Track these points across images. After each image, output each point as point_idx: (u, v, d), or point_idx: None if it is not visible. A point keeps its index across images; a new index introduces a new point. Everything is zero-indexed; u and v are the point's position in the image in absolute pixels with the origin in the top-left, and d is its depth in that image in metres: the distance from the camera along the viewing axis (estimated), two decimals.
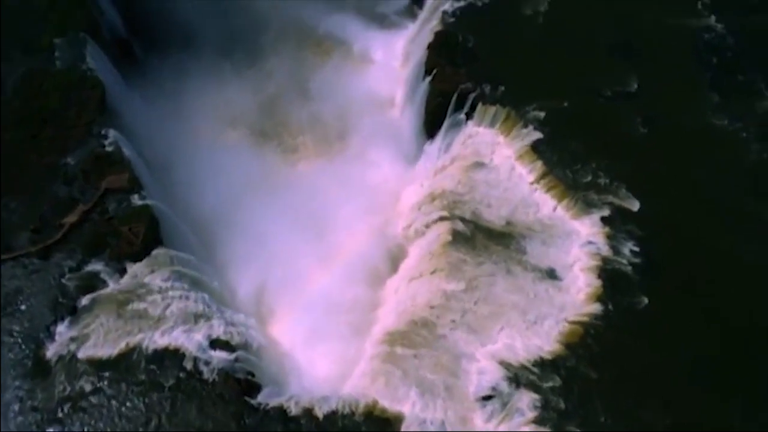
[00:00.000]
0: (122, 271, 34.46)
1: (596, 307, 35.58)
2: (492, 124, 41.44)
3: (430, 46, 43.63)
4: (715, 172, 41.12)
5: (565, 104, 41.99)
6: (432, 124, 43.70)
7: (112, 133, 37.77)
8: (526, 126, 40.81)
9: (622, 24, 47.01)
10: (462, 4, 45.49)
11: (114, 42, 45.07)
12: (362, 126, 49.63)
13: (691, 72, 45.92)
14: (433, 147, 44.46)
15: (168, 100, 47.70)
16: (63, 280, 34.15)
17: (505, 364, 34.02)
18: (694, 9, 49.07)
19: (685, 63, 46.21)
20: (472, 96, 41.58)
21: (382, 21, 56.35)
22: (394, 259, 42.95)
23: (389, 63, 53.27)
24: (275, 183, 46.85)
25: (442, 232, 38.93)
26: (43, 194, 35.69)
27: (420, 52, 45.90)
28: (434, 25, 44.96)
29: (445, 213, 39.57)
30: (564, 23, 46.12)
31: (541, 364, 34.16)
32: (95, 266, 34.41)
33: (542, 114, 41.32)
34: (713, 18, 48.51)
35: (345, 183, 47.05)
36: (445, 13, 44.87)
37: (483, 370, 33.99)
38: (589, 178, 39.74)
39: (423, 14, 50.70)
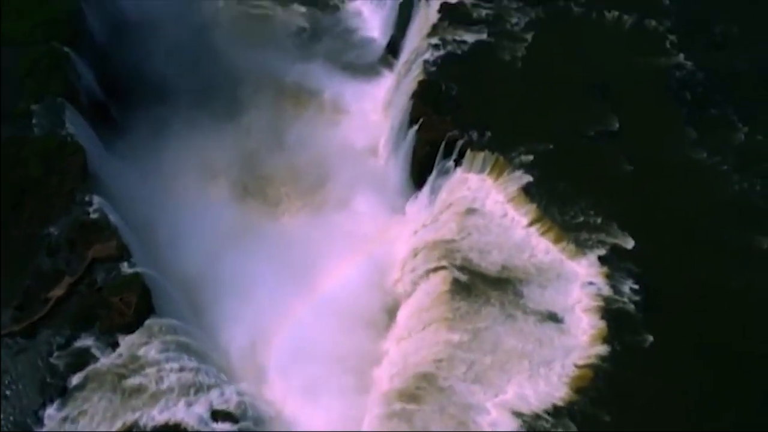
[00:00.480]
0: (114, 345, 32.90)
1: (602, 348, 35.26)
2: (481, 170, 41.42)
3: (414, 95, 43.78)
4: (701, 205, 41.72)
5: (551, 146, 42.31)
6: (420, 172, 43.57)
7: (96, 200, 36.56)
8: (515, 170, 40.89)
9: (596, 66, 47.93)
10: (442, 53, 45.89)
11: (91, 105, 44.12)
12: (345, 176, 49.21)
13: (667, 108, 46.91)
14: (422, 195, 44.21)
15: (147, 159, 46.75)
16: (51, 359, 32.36)
17: (517, 414, 33.27)
18: (663, 48, 50.47)
19: (660, 100, 47.23)
20: (459, 143, 41.65)
21: (358, 71, 56.74)
22: (390, 310, 42.15)
23: (368, 112, 53.38)
24: (260, 237, 45.90)
25: (439, 281, 38.38)
26: (26, 268, 34.10)
27: (403, 101, 46.03)
28: (416, 74, 45.18)
29: (441, 262, 39.06)
30: (541, 67, 46.83)
31: (554, 411, 33.52)
32: (85, 341, 32.76)
33: (530, 157, 41.54)
34: (682, 56, 49.93)
35: (332, 234, 46.31)
36: (426, 62, 45.13)
37: (495, 423, 33.15)
38: (582, 218, 39.84)
39: (401, 63, 51.13)
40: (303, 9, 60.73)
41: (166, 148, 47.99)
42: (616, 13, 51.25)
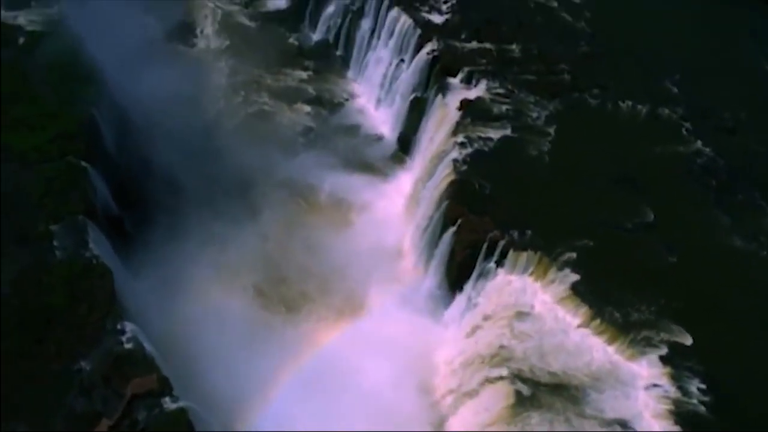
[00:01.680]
0: None
1: None
2: (525, 271, 39.93)
3: (448, 196, 42.54)
4: (747, 292, 40.92)
5: (592, 242, 41.20)
6: (459, 275, 41.83)
7: (129, 327, 33.61)
8: (560, 269, 39.47)
9: (620, 156, 47.75)
10: (470, 150, 45.07)
11: (107, 219, 41.59)
12: (370, 279, 47.10)
13: (695, 196, 46.70)
14: (461, 299, 42.35)
15: (162, 271, 44.01)
16: None
17: None
18: (680, 135, 50.84)
19: (687, 188, 47.06)
20: (501, 244, 40.27)
21: (369, 169, 55.58)
22: (437, 426, 39.54)
23: (387, 212, 51.88)
24: (285, 347, 43.25)
25: (498, 394, 36.06)
26: (57, 411, 30.67)
27: (432, 202, 44.77)
28: (446, 174, 44.12)
29: (496, 371, 36.91)
30: (568, 160, 46.31)
31: None
32: None
33: (573, 255, 40.26)
34: (699, 143, 50.29)
35: (362, 342, 43.85)
36: (455, 161, 44.21)
37: None
38: (635, 315, 38.37)
39: (421, 162, 50.23)
40: (308, 108, 59.88)
41: (181, 258, 45.32)
42: (630, 103, 51.70)
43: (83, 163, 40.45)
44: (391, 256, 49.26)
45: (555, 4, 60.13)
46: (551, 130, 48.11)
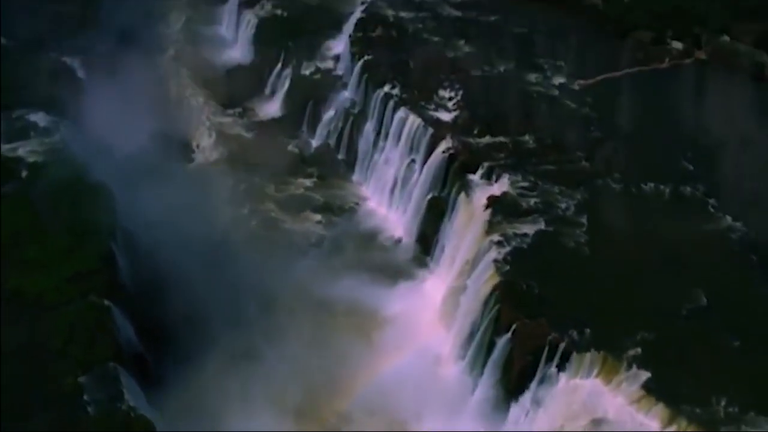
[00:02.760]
0: None
1: None
2: (591, 373, 37.37)
3: (499, 301, 40.30)
4: None
5: (653, 333, 38.95)
6: (518, 384, 39.06)
7: None
8: (628, 367, 37.00)
9: (656, 238, 46.27)
10: (509, 249, 43.14)
11: (132, 360, 38.10)
12: (416, 394, 43.86)
13: (741, 274, 45.00)
14: (521, 409, 39.39)
15: (189, 411, 40.42)
16: None
17: None
18: (708, 213, 49.86)
19: (731, 266, 45.43)
20: (562, 346, 37.90)
21: (391, 274, 52.98)
22: None
23: (418, 319, 49.18)
24: None
25: None
26: None
27: (475, 307, 42.40)
28: (488, 276, 42.06)
29: None
30: (607, 248, 44.60)
31: None
32: None
33: (638, 350, 37.93)
34: (729, 218, 49.46)
35: None
36: (496, 262, 42.26)
37: None
38: (718, 411, 35.77)
39: (452, 265, 48.19)
40: (318, 216, 57.87)
41: (210, 383, 42.04)
42: (652, 185, 50.94)
43: (106, 302, 37.37)
44: (432, 366, 46.13)
45: (556, 93, 60.34)
46: (583, 220, 46.67)
